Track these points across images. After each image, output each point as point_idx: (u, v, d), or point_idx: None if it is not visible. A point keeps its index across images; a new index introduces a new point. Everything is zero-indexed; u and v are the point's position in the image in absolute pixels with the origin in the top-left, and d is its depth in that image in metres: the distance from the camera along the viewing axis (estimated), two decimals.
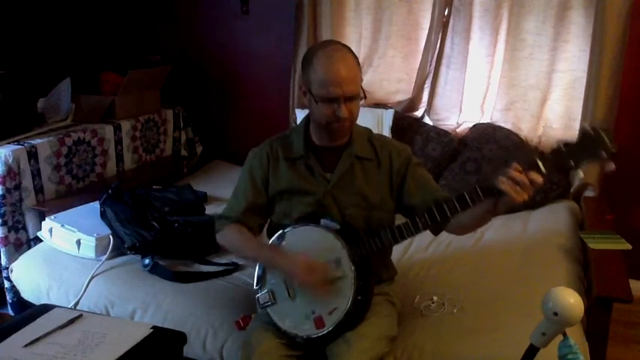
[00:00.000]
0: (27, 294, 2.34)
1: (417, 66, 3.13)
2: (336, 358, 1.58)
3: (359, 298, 1.62)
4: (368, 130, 1.82)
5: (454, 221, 1.65)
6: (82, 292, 2.17)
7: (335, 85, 1.58)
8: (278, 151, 1.78)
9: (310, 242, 1.69)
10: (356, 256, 1.64)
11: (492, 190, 1.45)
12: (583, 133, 1.38)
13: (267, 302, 1.72)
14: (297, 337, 1.66)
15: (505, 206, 1.48)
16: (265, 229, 1.85)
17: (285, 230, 1.73)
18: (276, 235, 1.75)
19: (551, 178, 2.80)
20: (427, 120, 3.17)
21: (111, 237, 2.32)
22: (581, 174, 1.41)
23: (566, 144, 1.39)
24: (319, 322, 1.63)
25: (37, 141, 2.65)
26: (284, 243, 1.73)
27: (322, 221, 1.69)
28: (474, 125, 3.05)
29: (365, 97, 1.69)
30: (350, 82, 1.60)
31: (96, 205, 2.50)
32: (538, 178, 1.39)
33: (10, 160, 2.49)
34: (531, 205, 2.76)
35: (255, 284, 1.77)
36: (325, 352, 1.64)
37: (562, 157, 1.39)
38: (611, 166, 1.41)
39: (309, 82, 1.64)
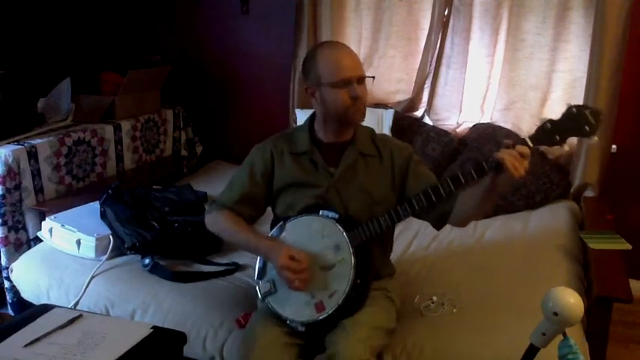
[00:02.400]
0: (27, 294, 2.34)
1: (417, 66, 3.13)
2: (334, 345, 1.59)
3: (358, 281, 1.65)
4: (371, 130, 1.87)
5: (456, 209, 1.68)
6: (82, 292, 2.17)
7: (347, 68, 1.68)
8: (283, 146, 1.82)
9: (309, 230, 1.72)
10: (355, 241, 1.66)
11: (484, 168, 1.52)
12: (567, 111, 1.47)
13: (268, 291, 1.73)
14: (297, 324, 1.67)
15: (503, 184, 1.53)
16: (270, 221, 1.87)
17: (287, 222, 1.76)
18: (277, 225, 1.78)
19: (551, 178, 2.80)
20: (427, 120, 3.17)
21: (111, 237, 2.32)
22: (566, 147, 1.48)
23: (551, 121, 1.48)
24: (320, 307, 1.65)
25: (37, 141, 2.65)
26: (284, 234, 1.76)
27: (321, 212, 1.72)
28: (474, 125, 3.05)
29: (373, 78, 1.80)
30: (358, 64, 1.72)
31: (96, 205, 2.50)
32: (526, 150, 1.47)
33: (10, 160, 2.49)
34: (531, 205, 2.77)
35: (256, 276, 1.80)
36: (324, 342, 1.65)
37: (547, 133, 1.48)
38: (594, 139, 1.48)
39: (318, 77, 1.70)
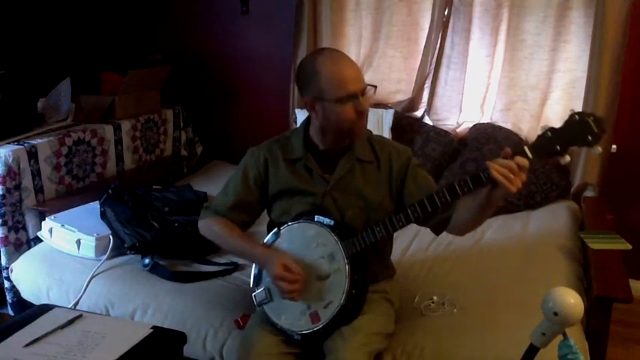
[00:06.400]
0: (27, 294, 2.34)
1: (417, 66, 3.13)
2: (332, 352, 1.58)
3: (353, 292, 1.63)
4: (368, 132, 1.83)
5: (454, 219, 1.67)
6: (82, 292, 2.17)
7: (351, 82, 1.62)
8: (277, 152, 1.79)
9: (304, 238, 1.70)
10: (350, 250, 1.64)
11: (480, 179, 1.46)
12: (569, 118, 1.40)
13: (263, 300, 1.73)
14: (293, 333, 1.66)
15: (501, 197, 1.49)
16: (266, 226, 1.85)
17: (281, 228, 1.75)
18: (272, 232, 1.77)
19: (551, 178, 2.80)
20: (427, 120, 3.17)
21: (111, 237, 2.32)
22: (567, 158, 1.42)
23: (552, 129, 1.41)
24: (315, 317, 1.64)
25: (37, 141, 2.65)
26: (279, 240, 1.74)
27: (316, 218, 1.70)
28: (474, 125, 3.05)
29: (375, 88, 1.73)
30: (360, 75, 1.67)
31: (96, 205, 2.50)
32: (524, 162, 1.41)
33: (10, 160, 2.49)
34: (531, 205, 2.77)
35: (251, 283, 1.79)
36: (323, 349, 1.65)
37: (548, 142, 1.41)
38: (598, 150, 1.41)
39: (320, 92, 1.63)
